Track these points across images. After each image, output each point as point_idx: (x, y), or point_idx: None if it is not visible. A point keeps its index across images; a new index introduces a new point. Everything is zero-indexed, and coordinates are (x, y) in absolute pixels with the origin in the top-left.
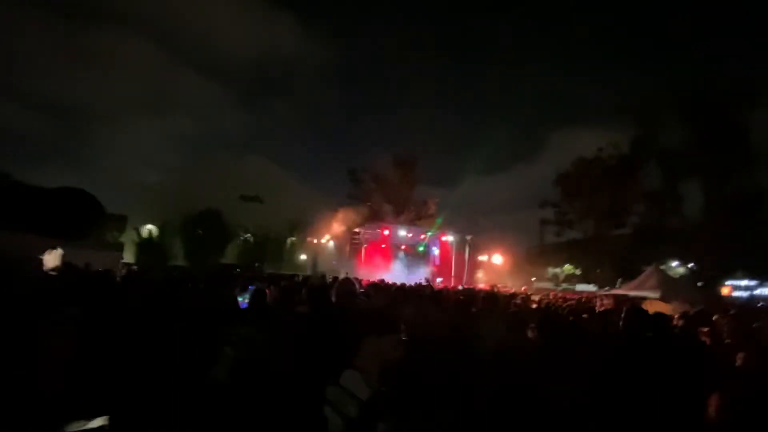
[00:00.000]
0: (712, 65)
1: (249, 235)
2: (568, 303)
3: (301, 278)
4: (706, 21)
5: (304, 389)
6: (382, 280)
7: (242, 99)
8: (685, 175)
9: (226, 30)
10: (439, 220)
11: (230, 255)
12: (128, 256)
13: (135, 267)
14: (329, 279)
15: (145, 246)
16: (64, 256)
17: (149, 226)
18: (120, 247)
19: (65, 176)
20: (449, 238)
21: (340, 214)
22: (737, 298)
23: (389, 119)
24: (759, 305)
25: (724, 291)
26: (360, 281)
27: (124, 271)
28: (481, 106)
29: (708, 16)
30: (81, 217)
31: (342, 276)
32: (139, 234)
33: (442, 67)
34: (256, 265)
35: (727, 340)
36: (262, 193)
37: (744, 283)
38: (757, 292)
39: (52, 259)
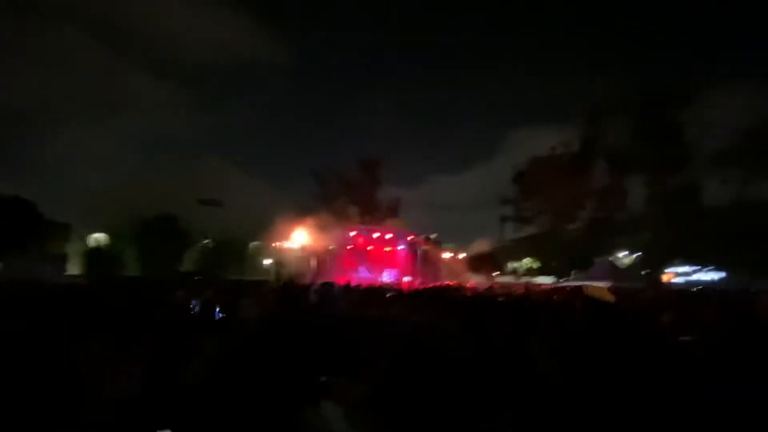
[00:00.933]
0: (653, 68)
1: (208, 240)
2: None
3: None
4: (650, 26)
5: (276, 408)
6: (349, 282)
7: (200, 100)
8: (629, 171)
9: (180, 30)
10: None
11: (188, 262)
12: (75, 267)
13: (81, 278)
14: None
15: (93, 256)
16: (2, 271)
17: (97, 235)
18: (63, 258)
19: (1, 184)
20: (414, 236)
21: (305, 217)
22: (676, 284)
23: (353, 120)
24: (693, 290)
25: (666, 278)
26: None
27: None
28: (445, 106)
29: (651, 22)
30: (16, 227)
31: (307, 280)
32: (85, 243)
33: (402, 69)
34: (216, 272)
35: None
36: (222, 196)
37: (683, 269)
38: (694, 277)
39: None
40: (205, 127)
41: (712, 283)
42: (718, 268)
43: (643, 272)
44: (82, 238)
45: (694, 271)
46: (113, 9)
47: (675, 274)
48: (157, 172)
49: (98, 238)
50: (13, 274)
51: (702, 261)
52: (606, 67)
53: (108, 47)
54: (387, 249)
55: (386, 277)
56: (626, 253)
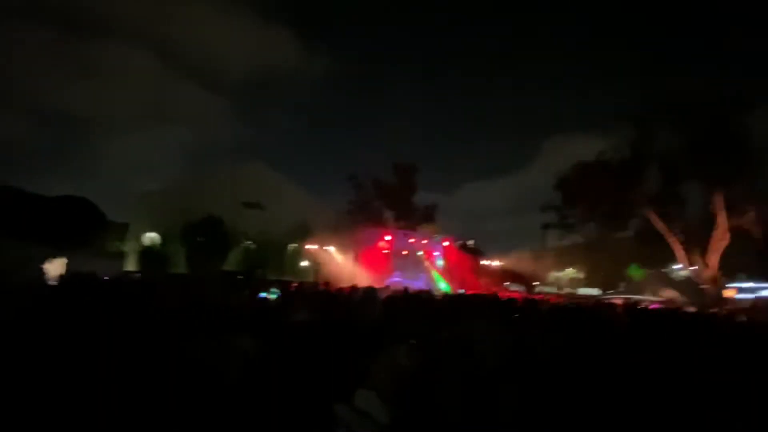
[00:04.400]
0: (710, 69)
1: (250, 241)
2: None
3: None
4: (702, 26)
5: (309, 405)
6: (388, 287)
7: (242, 108)
8: (685, 178)
9: (224, 43)
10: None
11: (232, 262)
12: (130, 265)
13: (138, 275)
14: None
15: (146, 254)
16: (68, 265)
17: (151, 234)
18: (122, 256)
19: (67, 185)
20: (451, 243)
21: (342, 220)
22: (742, 300)
23: (389, 126)
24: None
25: (729, 293)
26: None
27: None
28: (480, 112)
29: (705, 21)
30: (82, 226)
31: (343, 283)
32: (140, 242)
33: (440, 75)
34: (258, 271)
35: None
36: (263, 199)
37: (748, 285)
38: (759, 294)
39: (54, 267)
40: (248, 135)
41: None
42: None
43: (701, 286)
44: (137, 238)
45: (760, 288)
46: (165, 26)
47: (737, 290)
48: (204, 177)
49: (152, 237)
50: (77, 268)
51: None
52: (656, 68)
53: (161, 62)
54: (422, 255)
55: (421, 283)
56: (681, 266)
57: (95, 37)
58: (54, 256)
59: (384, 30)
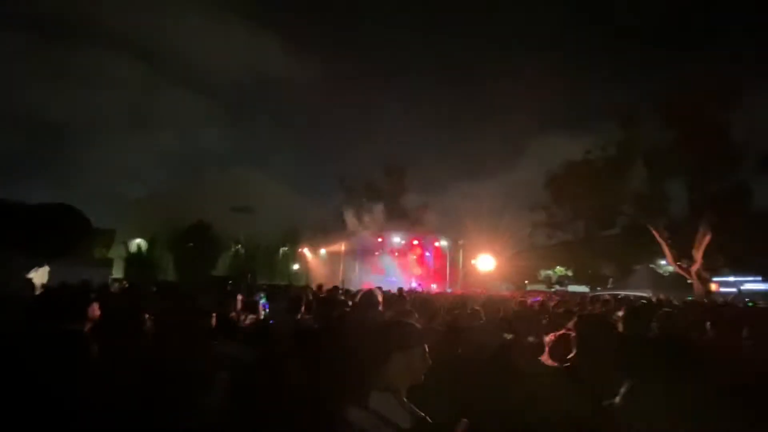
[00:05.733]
0: (692, 65)
1: (240, 246)
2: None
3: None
4: (686, 23)
5: (318, 413)
6: (380, 288)
7: (231, 113)
8: (670, 174)
9: (212, 49)
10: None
11: (221, 267)
12: (117, 272)
13: (125, 282)
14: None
15: (133, 261)
16: (51, 273)
17: (138, 241)
18: (109, 263)
19: (52, 192)
20: (442, 243)
21: (333, 223)
22: (725, 294)
23: (378, 128)
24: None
25: (712, 287)
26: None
27: (116, 287)
28: (467, 113)
29: (686, 18)
30: (68, 233)
31: (332, 285)
32: (127, 249)
33: (427, 76)
34: (249, 276)
35: None
36: (253, 203)
37: (731, 279)
38: (743, 287)
39: (39, 276)
40: (237, 140)
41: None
42: (766, 279)
43: (688, 281)
44: (125, 244)
45: (741, 282)
46: (152, 32)
47: (719, 284)
48: (192, 182)
49: (139, 243)
50: (62, 277)
51: (749, 270)
52: (640, 66)
53: (147, 69)
54: (414, 255)
55: (414, 283)
56: (667, 261)
57: (77, 43)
58: (40, 265)
59: (372, 36)
